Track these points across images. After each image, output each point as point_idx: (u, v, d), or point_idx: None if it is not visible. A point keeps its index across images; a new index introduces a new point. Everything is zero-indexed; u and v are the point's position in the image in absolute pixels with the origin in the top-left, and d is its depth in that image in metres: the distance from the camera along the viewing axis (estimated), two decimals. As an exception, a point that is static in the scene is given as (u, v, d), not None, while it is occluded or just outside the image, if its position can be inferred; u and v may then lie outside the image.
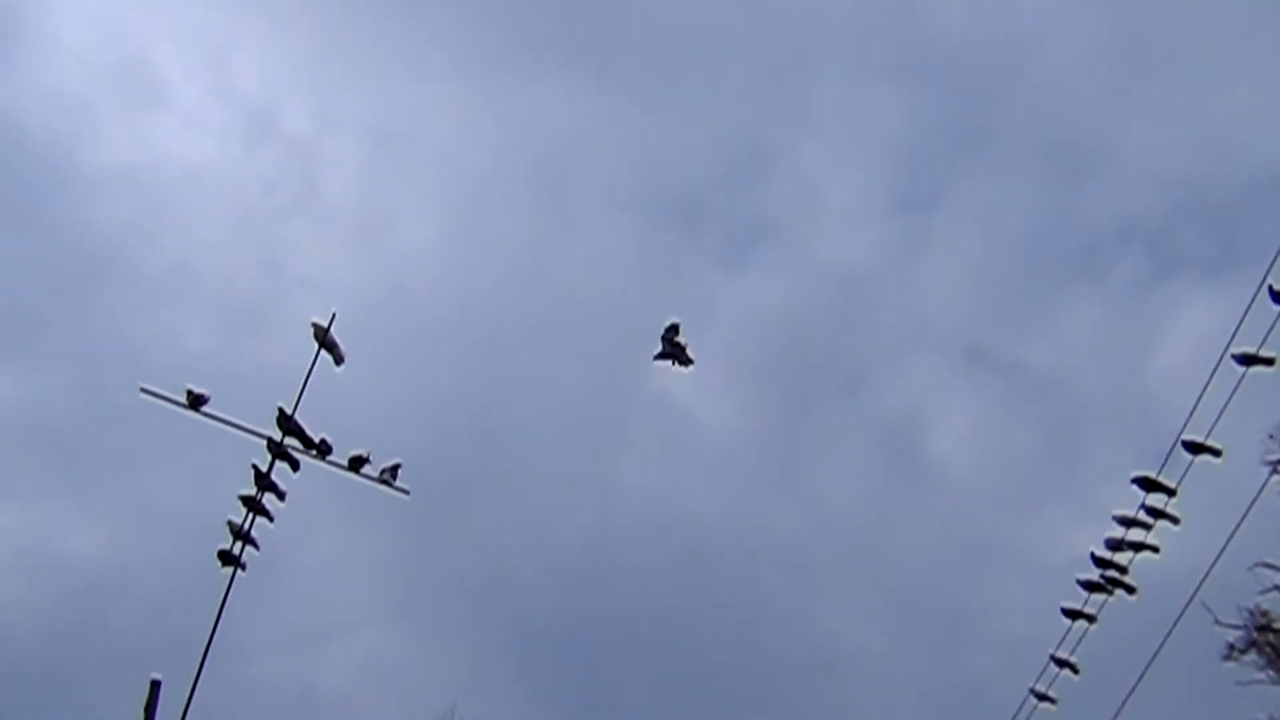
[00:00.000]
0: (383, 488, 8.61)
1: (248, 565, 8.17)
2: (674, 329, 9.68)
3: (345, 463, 8.46)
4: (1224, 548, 8.11)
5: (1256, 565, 12.24)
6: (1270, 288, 7.32)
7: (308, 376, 8.26)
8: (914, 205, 22.72)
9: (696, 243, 23.13)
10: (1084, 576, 8.90)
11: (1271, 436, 12.33)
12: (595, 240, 22.75)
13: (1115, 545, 8.68)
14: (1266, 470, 11.41)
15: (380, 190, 23.34)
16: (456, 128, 22.95)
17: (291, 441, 8.32)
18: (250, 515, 8.18)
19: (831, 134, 22.34)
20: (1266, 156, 17.94)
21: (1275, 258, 6.85)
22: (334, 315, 8.34)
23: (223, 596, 7.92)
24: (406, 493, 8.59)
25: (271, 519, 8.28)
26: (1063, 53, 20.90)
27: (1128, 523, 8.63)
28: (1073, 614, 8.86)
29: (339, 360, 8.44)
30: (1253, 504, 8.01)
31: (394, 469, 8.60)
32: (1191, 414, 7.88)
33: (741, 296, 22.26)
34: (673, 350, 9.64)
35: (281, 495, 8.31)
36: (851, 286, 21.57)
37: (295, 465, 8.34)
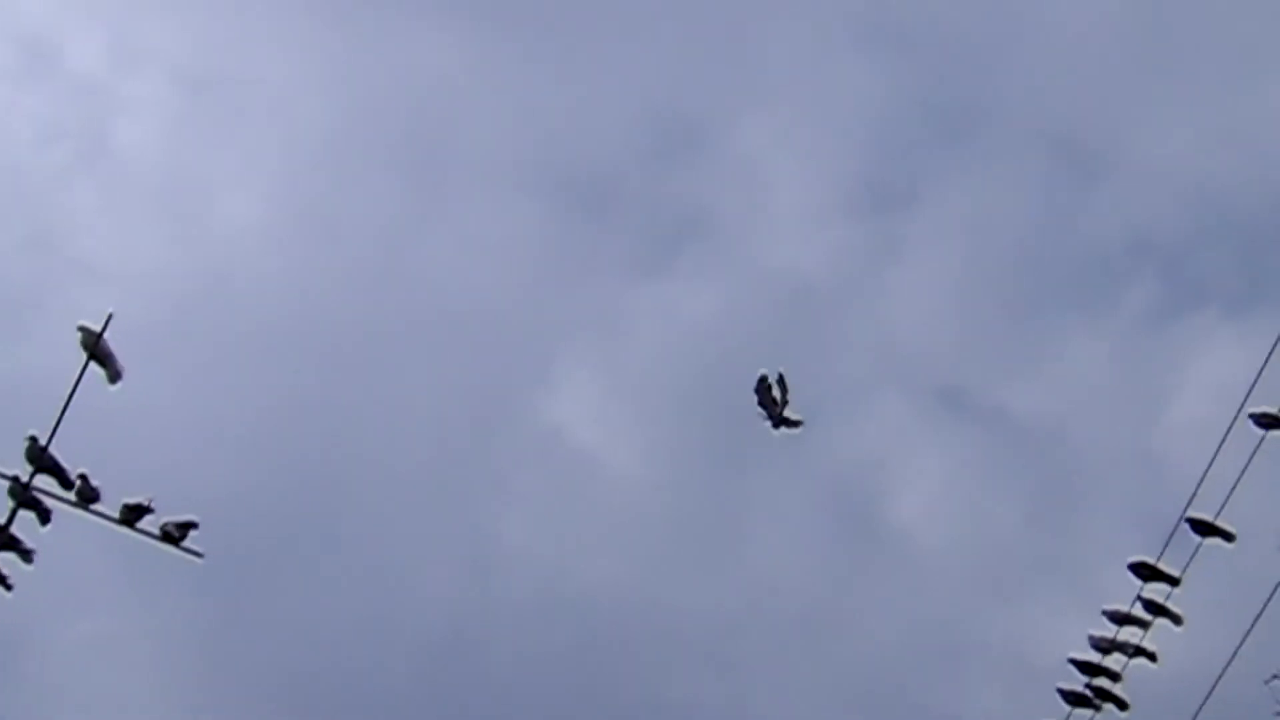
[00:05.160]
0: (168, 548, 8.48)
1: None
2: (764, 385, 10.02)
3: (117, 513, 8.32)
4: (1234, 655, 8.42)
5: (1273, 679, 12.70)
6: (1293, 335, 7.66)
7: (70, 396, 8.10)
8: (883, 204, 23.14)
9: (607, 237, 23.24)
10: (1066, 686, 9.18)
11: (1295, 517, 12.82)
12: (476, 228, 22.69)
13: (1103, 648, 8.96)
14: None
15: (194, 150, 22.89)
16: (298, 74, 22.68)
17: (44, 482, 8.14)
18: (-19, 582, 7.99)
19: (783, 109, 22.67)
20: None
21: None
22: (110, 317, 8.20)
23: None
24: (199, 556, 8.47)
25: (10, 588, 8.08)
26: (1073, 24, 21.59)
27: (1120, 619, 8.93)
28: (1051, 733, 9.11)
29: (115, 376, 8.32)
30: (1269, 601, 8.34)
31: (184, 526, 8.47)
32: (1199, 485, 8.19)
33: (662, 308, 22.38)
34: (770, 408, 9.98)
35: (27, 556, 8.12)
36: (800, 303, 21.85)
37: (46, 516, 8.14)
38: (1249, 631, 8.32)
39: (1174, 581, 8.81)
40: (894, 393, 20.23)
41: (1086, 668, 9.08)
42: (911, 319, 21.56)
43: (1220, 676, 8.61)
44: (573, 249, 22.84)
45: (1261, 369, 7.66)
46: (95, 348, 8.16)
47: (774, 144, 22.67)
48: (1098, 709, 9.09)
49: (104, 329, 8.19)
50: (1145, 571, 8.87)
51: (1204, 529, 8.59)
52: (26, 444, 8.09)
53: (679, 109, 22.84)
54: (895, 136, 22.85)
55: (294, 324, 21.05)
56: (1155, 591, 8.92)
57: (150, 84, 22.98)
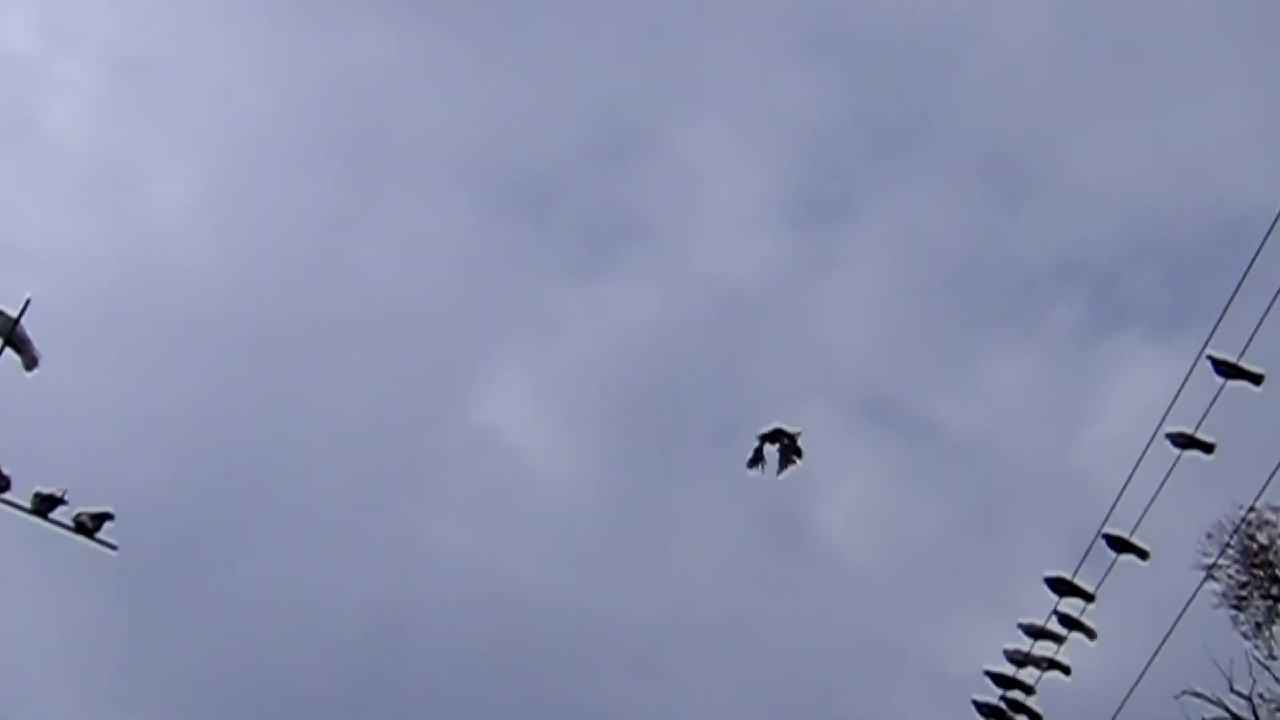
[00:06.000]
0: (81, 539, 8.31)
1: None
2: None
3: (29, 503, 8.14)
4: (1145, 670, 8.55)
5: (1184, 694, 12.96)
6: (1211, 359, 7.78)
7: (-16, 383, 7.95)
8: (818, 215, 23.38)
9: (544, 238, 23.23)
10: (981, 698, 9.28)
11: (1209, 535, 13.10)
12: (412, 224, 22.57)
13: (1018, 661, 9.06)
14: (1200, 575, 12.12)
15: (125, 135, 22.55)
16: (235, 62, 22.41)
17: (-47, 470, 7.97)
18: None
19: (724, 117, 22.81)
20: (1236, 193, 19.23)
21: (1219, 321, 7.31)
22: (27, 301, 8.06)
23: None
24: (113, 548, 8.32)
25: (-85, 576, 7.91)
26: (1010, 47, 21.94)
27: (1035, 633, 9.03)
28: (965, 746, 9.20)
29: (31, 363, 8.17)
30: (1180, 616, 8.47)
31: (99, 517, 8.31)
32: (1116, 503, 8.29)
33: (596, 311, 22.43)
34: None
35: (-67, 543, 7.96)
36: (734, 310, 22.01)
37: (-46, 504, 7.98)
38: (1160, 647, 8.45)
39: (1089, 597, 8.91)
40: (822, 402, 20.40)
41: (1001, 680, 9.17)
42: (842, 330, 21.77)
43: (1131, 691, 8.74)
44: (509, 249, 22.79)
45: (1179, 390, 7.77)
46: (11, 333, 8.01)
47: (713, 152, 22.78)
48: (1011, 722, 9.19)
49: (21, 314, 8.03)
50: (1061, 586, 8.96)
51: (1120, 546, 8.69)
52: (-64, 430, 7.95)
53: (620, 114, 22.89)
54: (833, 149, 23.07)
55: (222, 316, 20.76)
56: (1071, 606, 9.02)
57: (82, 65, 22.61)
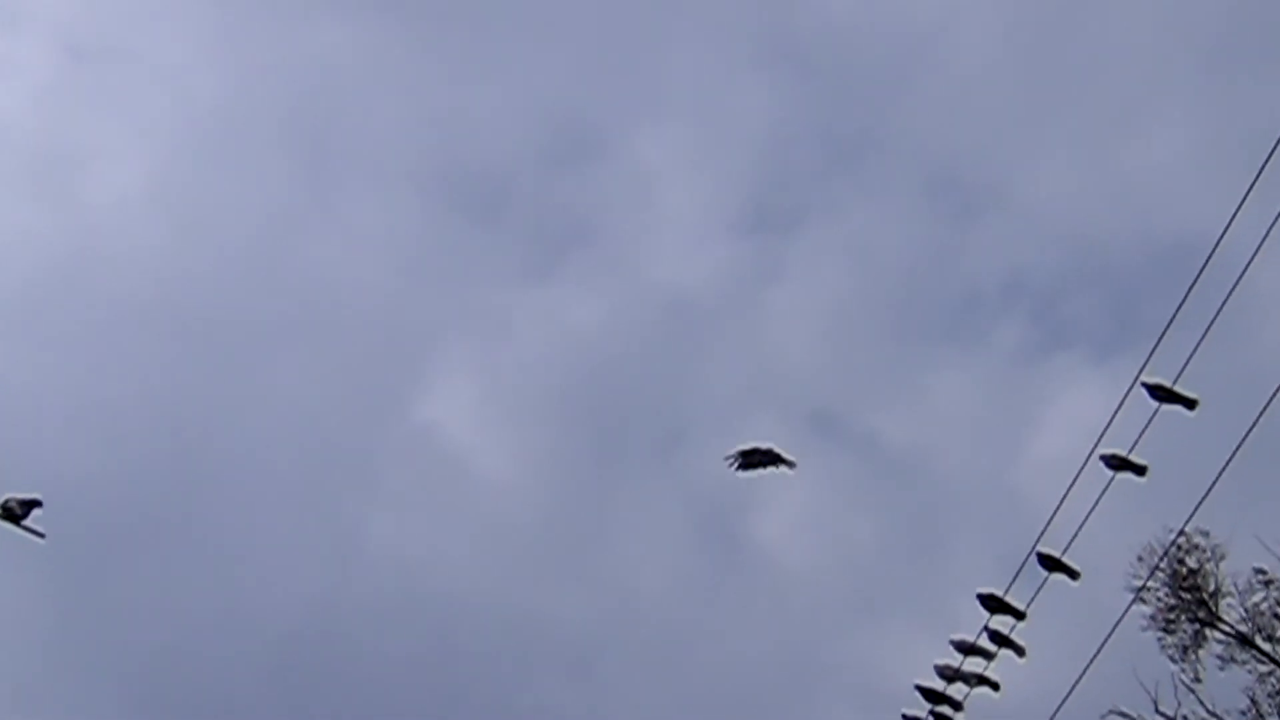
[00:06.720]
0: (7, 525, 8.17)
1: None
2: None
3: (-46, 488, 8.00)
4: (1072, 689, 8.64)
5: (1110, 714, 13.15)
6: (1144, 384, 7.88)
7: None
8: (769, 224, 23.48)
9: (494, 239, 23.16)
10: (911, 713, 9.34)
11: (1140, 558, 13.28)
12: (361, 220, 22.41)
13: (948, 676, 9.12)
14: (1129, 597, 12.28)
15: (72, 118, 22.25)
16: (186, 50, 22.18)
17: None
18: None
19: (679, 124, 22.86)
20: (1178, 220, 19.57)
21: (1155, 345, 7.40)
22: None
23: None
24: (40, 536, 8.18)
25: None
26: (965, 63, 22.17)
27: (966, 649, 9.10)
28: (895, 759, 9.25)
29: (-37, 346, 8.02)
30: (1109, 637, 8.57)
31: (28, 504, 8.16)
32: (1049, 522, 8.38)
33: (544, 314, 22.40)
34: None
35: None
36: (682, 316, 22.04)
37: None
38: (1088, 666, 8.55)
39: (1020, 615, 8.99)
40: (767, 412, 20.44)
41: (931, 695, 9.23)
42: (789, 341, 21.87)
43: (1058, 709, 8.84)
44: (458, 248, 22.70)
45: (1114, 413, 7.86)
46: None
47: (666, 158, 22.83)
48: (939, 736, 9.25)
49: (-46, 295, 7.89)
50: (993, 603, 9.04)
51: (1052, 565, 8.77)
52: None
53: (575, 117, 22.87)
54: (785, 160, 23.19)
55: (164, 305, 20.52)
56: (1002, 623, 9.09)
57: (30, 46, 22.27)
